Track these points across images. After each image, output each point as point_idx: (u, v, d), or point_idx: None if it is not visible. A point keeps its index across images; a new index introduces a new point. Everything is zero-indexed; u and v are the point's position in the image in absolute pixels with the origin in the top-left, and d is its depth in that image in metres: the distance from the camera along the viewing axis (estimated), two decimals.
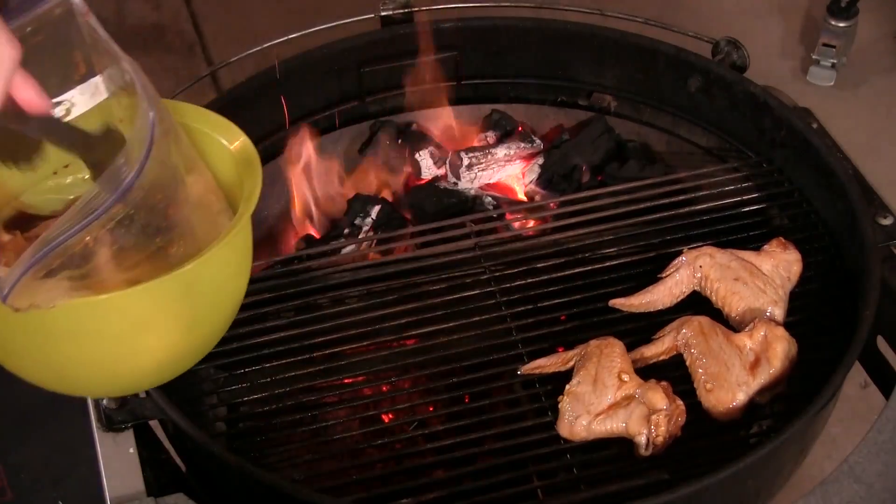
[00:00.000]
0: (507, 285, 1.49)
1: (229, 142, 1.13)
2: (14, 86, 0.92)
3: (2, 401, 1.29)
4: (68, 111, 1.01)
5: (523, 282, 1.49)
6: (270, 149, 1.74)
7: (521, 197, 1.79)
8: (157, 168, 0.93)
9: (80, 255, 0.91)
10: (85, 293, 0.93)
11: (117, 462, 1.23)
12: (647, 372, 1.34)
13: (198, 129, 1.13)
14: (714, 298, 1.43)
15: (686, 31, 1.78)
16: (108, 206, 0.89)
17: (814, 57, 2.81)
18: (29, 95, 0.94)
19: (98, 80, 1.00)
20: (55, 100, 0.99)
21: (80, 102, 1.01)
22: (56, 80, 1.01)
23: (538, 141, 1.82)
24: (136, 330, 0.99)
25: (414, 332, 1.45)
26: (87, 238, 0.90)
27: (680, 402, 1.28)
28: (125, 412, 1.26)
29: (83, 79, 0.99)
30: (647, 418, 1.25)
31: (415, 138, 1.81)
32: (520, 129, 1.83)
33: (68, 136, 0.97)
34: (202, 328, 1.06)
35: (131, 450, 1.24)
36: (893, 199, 1.55)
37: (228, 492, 1.30)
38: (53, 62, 1.00)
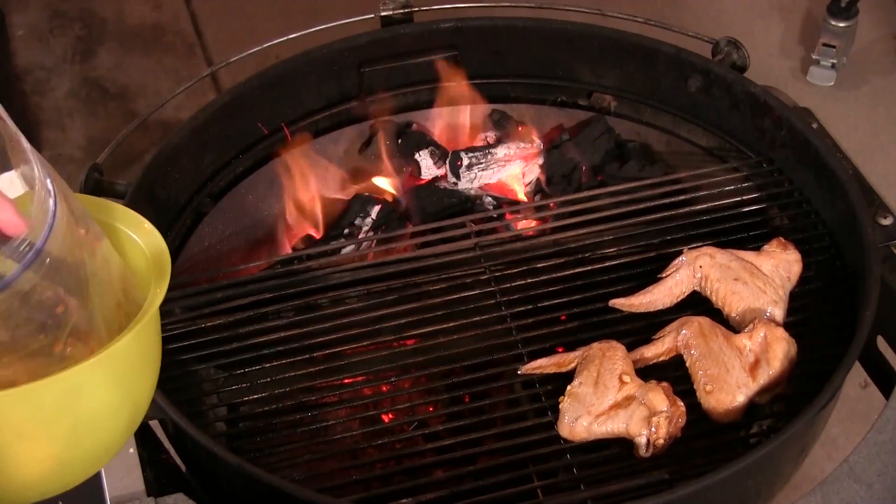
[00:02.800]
0: (507, 285, 1.49)
1: (141, 238, 1.04)
2: None
3: None
4: None
5: (523, 282, 1.49)
6: (270, 148, 1.74)
7: (521, 197, 1.79)
8: (54, 256, 0.87)
9: None
10: None
11: (117, 462, 1.23)
12: (647, 372, 1.34)
13: (109, 224, 1.05)
14: (714, 298, 1.43)
15: (686, 31, 1.78)
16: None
17: (814, 57, 2.81)
18: (5, 215, 0.88)
19: (13, 174, 0.91)
20: None
21: None
22: None
23: (538, 141, 1.82)
24: (14, 435, 0.89)
25: (414, 332, 1.45)
26: None
27: (680, 403, 1.28)
28: None
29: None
30: (648, 420, 1.25)
31: (415, 138, 1.81)
32: (520, 129, 1.83)
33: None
34: (93, 437, 0.96)
35: (131, 450, 1.24)
36: (893, 199, 1.55)
37: (228, 492, 1.30)
38: None
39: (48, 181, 0.91)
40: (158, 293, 0.99)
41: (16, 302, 0.87)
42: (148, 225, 1.06)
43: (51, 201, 0.89)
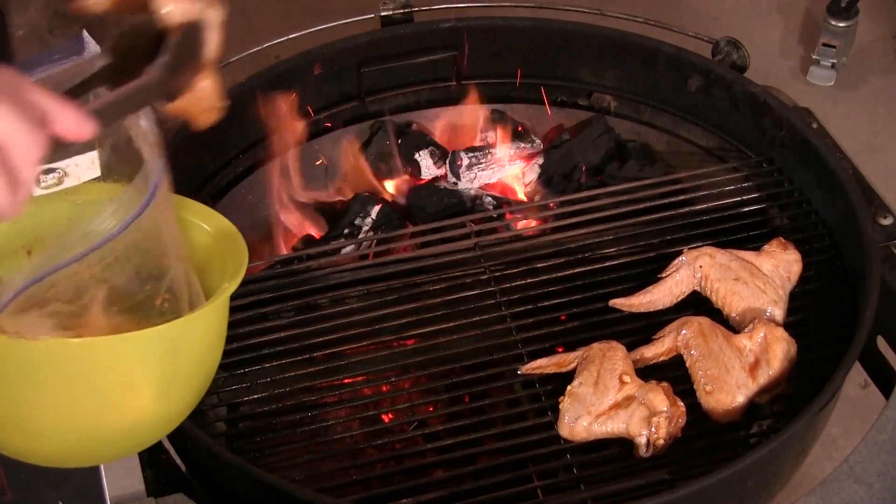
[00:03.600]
0: (507, 285, 1.49)
1: (209, 225, 1.10)
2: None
3: None
4: (59, 180, 0.94)
5: (523, 282, 1.49)
6: (270, 149, 1.74)
7: (521, 197, 1.79)
8: (156, 214, 0.91)
9: (72, 288, 0.88)
10: (70, 334, 0.89)
11: (117, 462, 1.23)
12: (647, 372, 1.34)
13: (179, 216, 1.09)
14: (714, 298, 1.43)
15: (686, 31, 1.78)
16: (107, 239, 0.87)
17: (814, 57, 2.81)
18: (72, 116, 0.87)
19: (94, 154, 0.94)
20: (48, 166, 0.95)
21: (72, 174, 0.95)
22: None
23: (538, 141, 1.82)
24: (118, 380, 0.93)
25: (414, 332, 1.44)
26: (82, 270, 0.88)
27: (681, 403, 1.28)
28: None
29: (82, 150, 0.93)
30: (648, 420, 1.25)
31: (415, 138, 1.81)
32: (520, 129, 1.83)
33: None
34: (179, 391, 1.01)
35: None
36: (893, 199, 1.55)
37: (228, 492, 1.30)
38: None
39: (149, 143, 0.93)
40: (241, 266, 1.05)
41: (132, 246, 0.90)
42: (216, 213, 1.12)
43: (159, 162, 0.92)
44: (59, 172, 0.93)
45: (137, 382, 0.94)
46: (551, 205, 1.64)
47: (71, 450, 0.98)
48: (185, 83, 1.00)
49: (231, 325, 1.42)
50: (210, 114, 1.05)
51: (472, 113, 1.85)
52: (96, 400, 0.93)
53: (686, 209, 1.58)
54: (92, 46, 0.95)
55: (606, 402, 1.28)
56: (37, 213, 0.97)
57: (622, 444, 1.29)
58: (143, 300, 0.96)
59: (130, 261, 0.92)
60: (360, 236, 1.67)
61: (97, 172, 0.95)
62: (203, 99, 1.03)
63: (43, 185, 0.91)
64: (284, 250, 1.73)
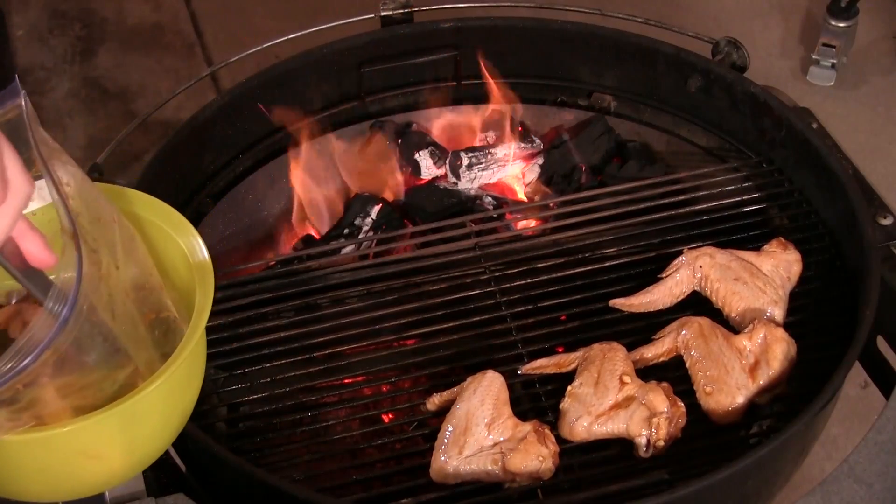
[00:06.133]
0: (507, 285, 1.49)
1: (183, 241, 1.10)
2: (20, 232, 0.91)
3: None
4: None
5: (523, 282, 1.49)
6: (270, 149, 1.74)
7: (521, 197, 1.79)
8: (92, 300, 0.91)
9: (21, 390, 0.90)
10: (27, 422, 0.92)
11: None
12: (647, 373, 1.34)
13: (150, 221, 1.11)
14: (714, 298, 1.43)
15: (686, 31, 1.78)
16: (43, 346, 0.88)
17: (814, 57, 2.81)
18: (35, 248, 0.92)
19: (41, 184, 0.95)
20: None
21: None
22: None
23: (538, 141, 1.82)
24: (80, 457, 0.98)
25: (414, 332, 1.45)
26: (28, 376, 0.89)
27: (681, 403, 1.28)
28: None
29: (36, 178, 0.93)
30: (648, 420, 1.25)
31: (415, 138, 1.81)
32: (520, 129, 1.83)
33: (44, 285, 0.94)
34: (147, 447, 1.04)
35: None
36: (893, 199, 1.55)
37: (228, 492, 1.30)
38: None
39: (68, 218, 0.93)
40: (206, 301, 1.03)
41: (73, 341, 0.92)
42: (195, 237, 1.10)
43: (78, 248, 0.91)
44: None
45: (101, 454, 0.99)
46: (551, 205, 1.64)
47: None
48: None
49: (231, 325, 1.43)
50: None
51: (472, 113, 1.85)
52: (63, 472, 0.99)
53: (686, 209, 1.58)
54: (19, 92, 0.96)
55: (607, 402, 1.28)
56: None
57: (622, 445, 1.29)
58: (102, 379, 0.98)
59: (71, 356, 0.93)
60: (360, 236, 1.67)
61: (46, 200, 0.96)
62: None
63: None
64: (284, 250, 1.74)
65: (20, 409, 0.91)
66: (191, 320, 1.02)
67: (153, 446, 1.04)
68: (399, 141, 1.81)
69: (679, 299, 1.45)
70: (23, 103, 0.93)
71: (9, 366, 0.88)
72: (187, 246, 1.09)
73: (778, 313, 1.40)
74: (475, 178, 1.77)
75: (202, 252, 1.09)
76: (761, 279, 1.42)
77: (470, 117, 1.86)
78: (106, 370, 0.97)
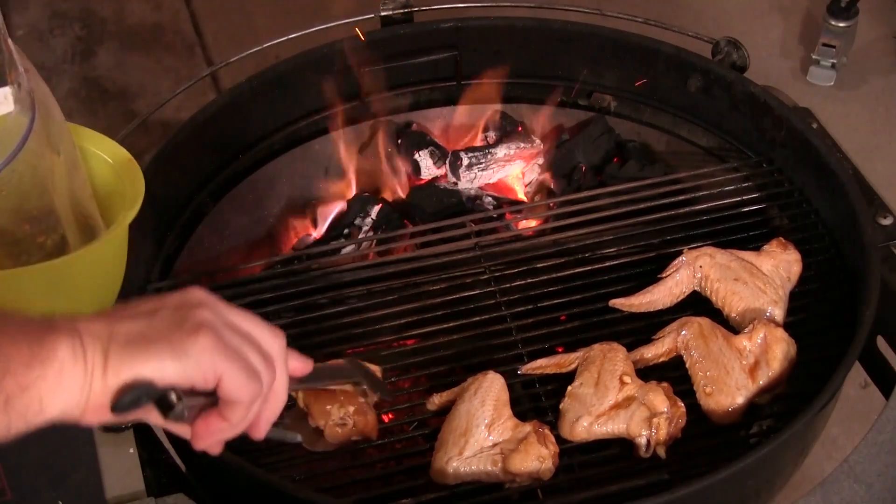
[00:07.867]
0: (507, 285, 1.49)
1: (111, 156, 1.17)
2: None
3: None
4: None
5: (523, 282, 1.49)
6: (269, 149, 1.74)
7: (521, 197, 1.79)
8: (30, 157, 0.94)
9: None
10: None
11: (117, 462, 1.23)
12: (647, 373, 1.34)
13: (82, 147, 1.16)
14: (714, 298, 1.43)
15: (686, 31, 1.78)
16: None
17: (814, 57, 2.81)
18: (294, 365, 1.05)
19: (6, 91, 0.98)
20: None
21: None
22: None
23: (538, 141, 1.82)
24: None
25: (414, 332, 1.45)
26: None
27: (681, 403, 1.28)
28: None
29: None
30: (648, 420, 1.25)
31: (415, 138, 1.81)
32: (520, 129, 1.83)
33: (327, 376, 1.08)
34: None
35: (131, 450, 1.24)
36: (893, 199, 1.55)
37: (228, 492, 1.30)
38: None
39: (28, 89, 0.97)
40: (138, 195, 1.14)
41: (9, 186, 0.95)
42: (117, 145, 1.20)
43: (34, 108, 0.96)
44: None
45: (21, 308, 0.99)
46: (551, 205, 1.64)
47: None
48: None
49: None
50: (333, 430, 1.21)
51: (472, 113, 1.85)
52: None
53: (686, 209, 1.58)
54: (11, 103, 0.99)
55: (607, 402, 1.28)
56: None
57: (622, 445, 1.29)
58: (23, 238, 0.99)
59: (9, 201, 0.95)
60: (360, 236, 1.67)
61: (11, 107, 0.99)
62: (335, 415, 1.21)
63: None
64: (284, 250, 1.73)
65: None
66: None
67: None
68: (399, 141, 1.81)
69: (679, 299, 1.45)
70: None
71: None
72: (111, 155, 1.19)
73: (778, 313, 1.40)
74: (475, 178, 1.77)
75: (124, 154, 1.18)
76: (761, 279, 1.42)
77: (470, 117, 1.85)
78: (38, 228, 0.98)
